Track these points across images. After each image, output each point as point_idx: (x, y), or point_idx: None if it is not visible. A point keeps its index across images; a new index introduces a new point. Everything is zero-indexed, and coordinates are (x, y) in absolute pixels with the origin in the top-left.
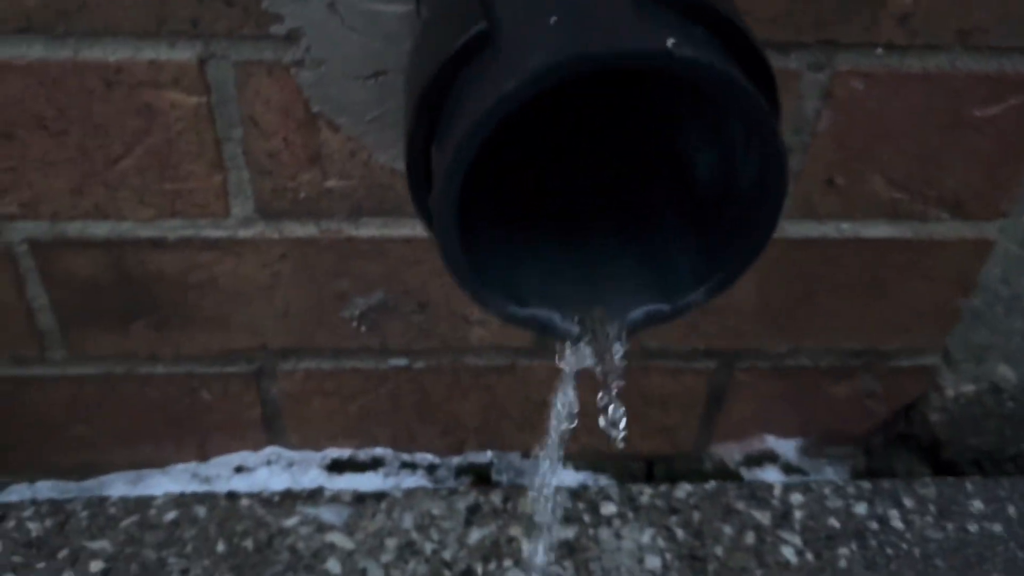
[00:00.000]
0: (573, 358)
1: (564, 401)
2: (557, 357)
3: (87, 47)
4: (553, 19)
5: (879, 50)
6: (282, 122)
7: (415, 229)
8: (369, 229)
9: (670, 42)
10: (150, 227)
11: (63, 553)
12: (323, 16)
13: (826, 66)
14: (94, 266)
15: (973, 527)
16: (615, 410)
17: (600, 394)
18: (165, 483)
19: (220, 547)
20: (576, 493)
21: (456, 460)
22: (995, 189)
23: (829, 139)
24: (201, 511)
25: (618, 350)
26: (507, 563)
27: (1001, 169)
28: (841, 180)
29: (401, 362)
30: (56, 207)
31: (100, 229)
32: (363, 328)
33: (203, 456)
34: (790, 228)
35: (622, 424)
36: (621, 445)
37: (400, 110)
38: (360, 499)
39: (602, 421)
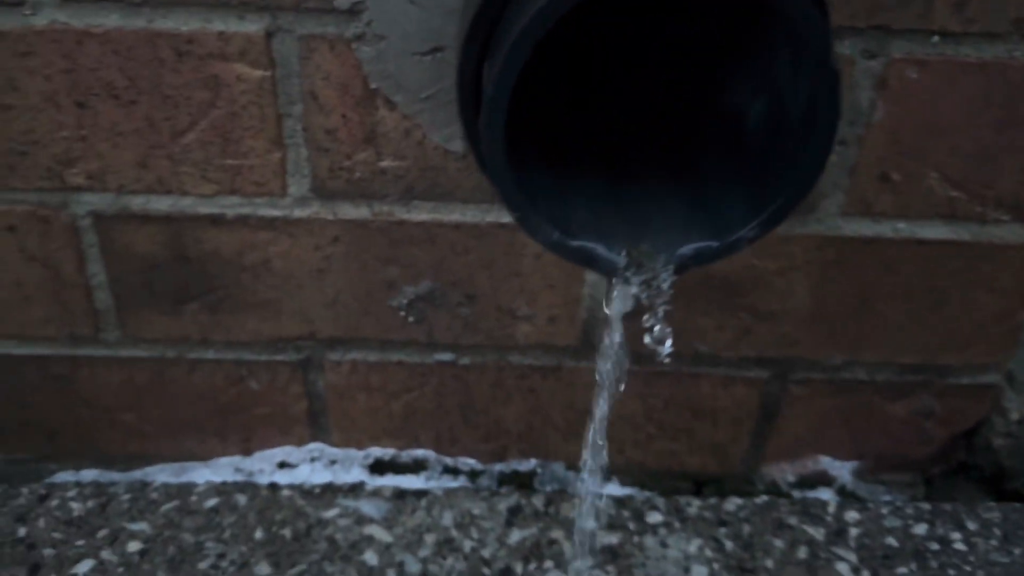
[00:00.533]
0: (619, 301)
1: (610, 346)
2: (604, 303)
3: (161, 17)
4: None
5: (935, 38)
6: (341, 98)
7: (465, 215)
8: (420, 213)
9: None
10: (210, 203)
11: (103, 532)
12: None
13: (880, 53)
14: (153, 243)
15: None
16: (662, 329)
17: (646, 316)
18: (208, 476)
19: (258, 534)
20: (621, 501)
21: (499, 467)
22: None
23: (883, 131)
24: (242, 499)
25: (665, 279)
26: (548, 564)
27: None
28: (896, 176)
29: (447, 357)
30: (121, 179)
31: (162, 204)
32: (410, 319)
33: (247, 451)
34: (845, 226)
35: (668, 342)
36: (667, 361)
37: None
38: (400, 495)
39: (647, 339)
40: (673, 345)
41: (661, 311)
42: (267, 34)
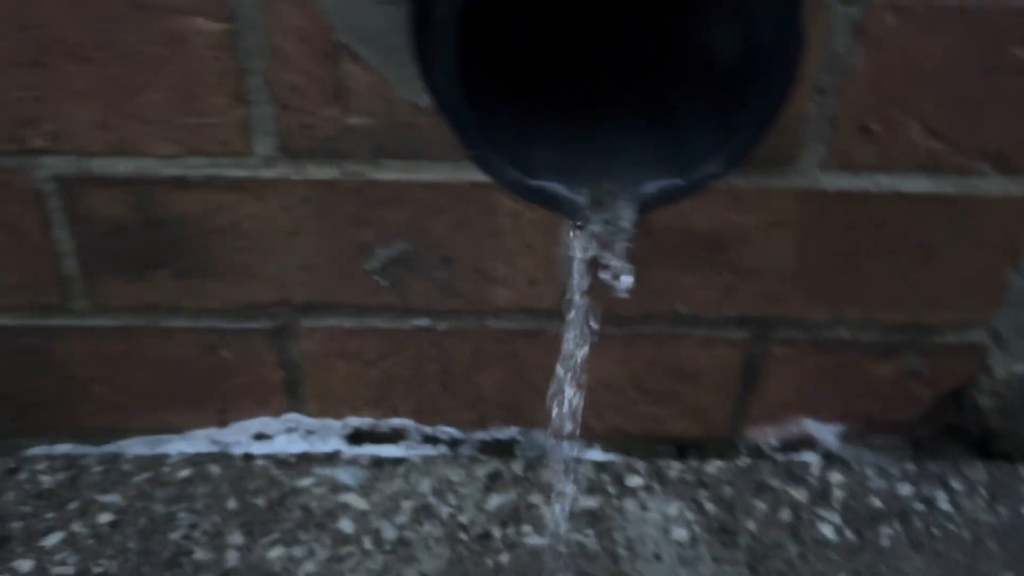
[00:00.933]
0: (580, 241)
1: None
2: (567, 245)
3: None
4: None
5: None
6: (305, 52)
7: (438, 174)
8: (391, 172)
9: None
10: (173, 164)
11: (73, 505)
12: None
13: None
14: (118, 206)
15: None
16: (620, 265)
17: (606, 253)
18: (183, 448)
19: (231, 504)
20: (601, 465)
21: (479, 435)
22: None
23: (863, 80)
24: (215, 470)
25: (628, 218)
26: (526, 528)
27: None
28: (876, 127)
29: (424, 322)
30: (82, 141)
31: (125, 166)
32: (385, 283)
33: (223, 422)
34: (826, 180)
35: (629, 277)
36: (625, 295)
37: None
38: (378, 463)
39: (604, 275)
40: (653, 305)
41: (620, 247)
42: None
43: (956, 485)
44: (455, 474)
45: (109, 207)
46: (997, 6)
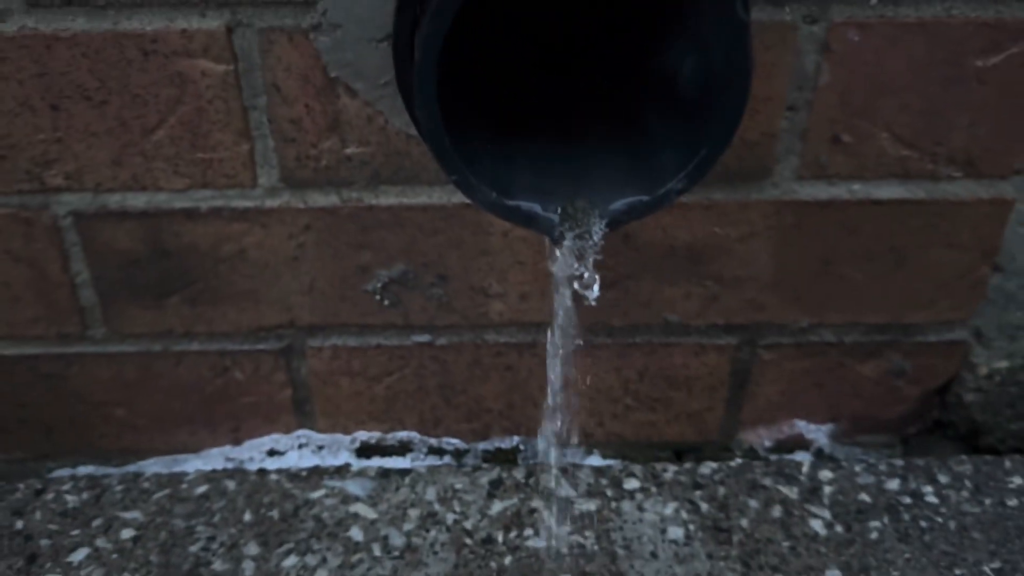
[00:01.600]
0: (562, 260)
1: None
2: (549, 262)
3: (125, 18)
4: None
5: (872, 0)
6: (303, 89)
7: (431, 197)
8: (388, 198)
9: None
10: (184, 197)
11: (97, 522)
12: None
13: (820, 18)
14: (132, 239)
15: (1012, 502)
16: (590, 275)
17: (576, 265)
18: (199, 466)
19: (247, 517)
20: (599, 470)
21: (483, 446)
22: (1006, 144)
23: (831, 94)
24: (231, 485)
25: (596, 232)
26: (528, 532)
27: (1010, 123)
28: (848, 137)
29: (423, 338)
30: (98, 178)
31: (138, 200)
32: (385, 302)
33: (237, 440)
34: (801, 190)
35: (595, 287)
36: (593, 303)
37: None
38: (385, 474)
39: (576, 285)
40: (642, 316)
41: (590, 259)
42: (228, 29)
43: (942, 478)
44: (459, 482)
45: (124, 239)
46: (953, 19)
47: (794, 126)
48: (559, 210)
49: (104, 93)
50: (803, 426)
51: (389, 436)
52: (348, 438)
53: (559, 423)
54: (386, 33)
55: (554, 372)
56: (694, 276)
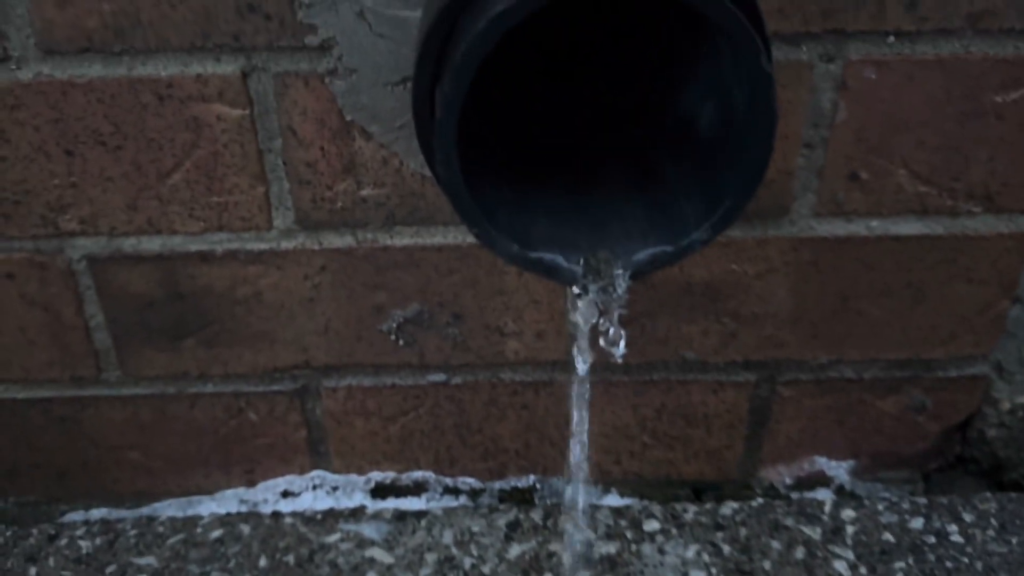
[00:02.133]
0: (585, 311)
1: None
2: (570, 312)
3: (141, 64)
4: None
5: (890, 38)
6: (318, 132)
7: (446, 237)
8: (403, 238)
9: None
10: (199, 241)
11: (111, 568)
12: (353, 24)
13: (837, 56)
14: (147, 282)
15: None
16: (615, 332)
17: (602, 319)
18: (214, 508)
19: (262, 562)
20: (618, 511)
21: (499, 485)
22: None
23: (848, 131)
24: (246, 529)
25: (620, 285)
26: None
27: None
28: (865, 174)
29: (439, 377)
30: (113, 222)
31: (153, 244)
32: (401, 342)
33: (251, 482)
34: (819, 227)
35: (621, 344)
36: (619, 360)
37: None
38: (401, 516)
39: (602, 341)
40: (659, 353)
41: (616, 314)
42: (243, 74)
43: (967, 517)
44: (476, 524)
45: (139, 283)
46: (970, 56)
47: (811, 163)
48: (582, 262)
49: (119, 138)
50: (823, 463)
51: (404, 476)
52: (363, 478)
53: (579, 466)
54: (401, 76)
55: (576, 419)
56: (712, 313)
